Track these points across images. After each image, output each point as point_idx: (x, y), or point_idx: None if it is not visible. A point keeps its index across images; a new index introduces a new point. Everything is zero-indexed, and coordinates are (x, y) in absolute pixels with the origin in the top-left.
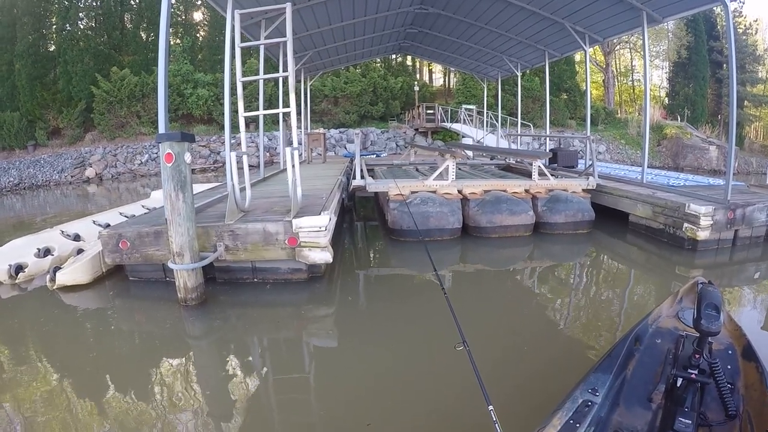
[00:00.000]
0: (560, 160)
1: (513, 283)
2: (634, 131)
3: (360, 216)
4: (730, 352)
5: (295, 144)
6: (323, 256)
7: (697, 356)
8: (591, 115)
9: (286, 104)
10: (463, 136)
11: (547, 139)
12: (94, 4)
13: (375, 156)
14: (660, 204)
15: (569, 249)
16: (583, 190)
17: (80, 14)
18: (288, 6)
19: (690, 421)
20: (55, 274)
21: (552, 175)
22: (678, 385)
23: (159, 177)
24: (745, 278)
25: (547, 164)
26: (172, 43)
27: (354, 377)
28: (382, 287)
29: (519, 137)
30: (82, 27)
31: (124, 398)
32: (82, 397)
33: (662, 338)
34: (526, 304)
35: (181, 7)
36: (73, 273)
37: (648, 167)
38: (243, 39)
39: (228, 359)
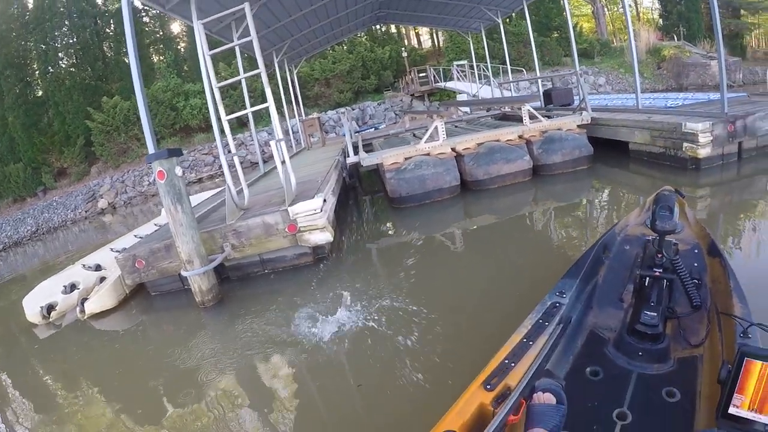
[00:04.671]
0: (555, 100)
1: (522, 228)
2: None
3: (367, 191)
4: (696, 251)
5: (279, 135)
6: (324, 237)
7: (659, 255)
8: (585, 48)
9: (274, 98)
10: (458, 93)
11: (539, 80)
12: (71, 41)
13: (373, 129)
14: (657, 127)
15: (572, 187)
16: (578, 126)
17: (59, 54)
18: (246, 5)
19: (655, 314)
20: (83, 305)
21: (546, 116)
22: (645, 284)
23: None
24: (756, 190)
25: (543, 106)
26: (155, 60)
27: (354, 347)
28: (384, 257)
29: (511, 84)
30: (64, 66)
31: (165, 406)
32: (127, 414)
33: (630, 244)
34: (539, 245)
35: (157, 24)
36: (99, 300)
37: (651, 91)
38: (217, 43)
39: (249, 348)
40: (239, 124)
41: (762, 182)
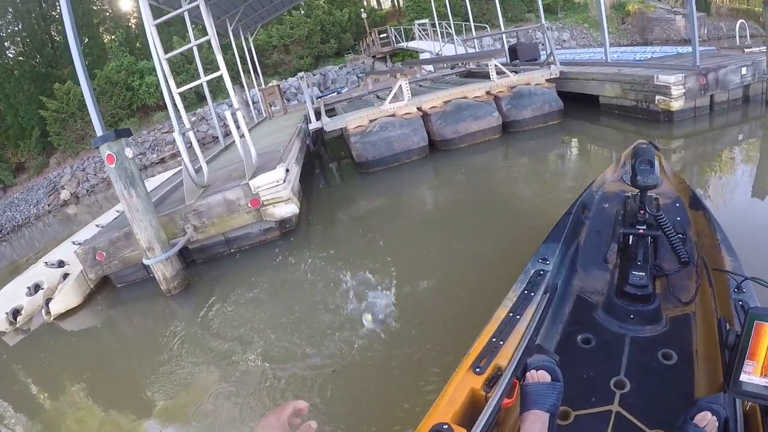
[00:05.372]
0: (521, 55)
1: (496, 187)
2: (596, 13)
3: (333, 157)
4: (677, 204)
5: (235, 105)
6: (289, 209)
7: (641, 212)
8: (549, 4)
9: (231, 68)
10: (421, 53)
11: (504, 36)
12: (16, 28)
13: (336, 93)
14: (628, 80)
15: (543, 142)
16: (547, 80)
17: (5, 43)
18: None
19: (643, 273)
20: (48, 306)
21: (513, 71)
22: (630, 242)
23: None
24: (729, 141)
25: (509, 62)
26: (106, 40)
27: (327, 326)
28: (355, 225)
29: (475, 41)
30: (11, 55)
31: (139, 403)
32: (100, 415)
33: (609, 202)
34: (513, 203)
35: (106, 2)
36: (64, 299)
37: (616, 46)
38: (164, 13)
39: (218, 335)
40: (198, 99)
41: (734, 134)
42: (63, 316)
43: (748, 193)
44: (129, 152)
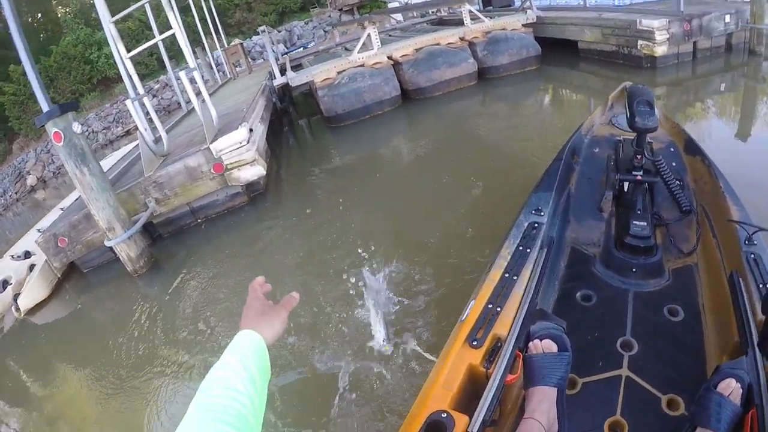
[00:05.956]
0: (495, 2)
1: (474, 136)
2: None
3: (302, 114)
4: (672, 149)
5: (192, 64)
6: (255, 171)
7: (638, 157)
8: None
9: (192, 30)
10: (389, 2)
11: None
12: None
13: (302, 49)
14: (609, 24)
15: (521, 88)
16: (523, 25)
17: None
18: None
19: (645, 223)
20: (17, 302)
21: (487, 17)
22: (626, 189)
23: (102, 151)
24: (712, 90)
25: (482, 9)
26: (59, 13)
27: (301, 296)
28: (327, 183)
29: None
30: None
31: (118, 395)
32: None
33: (600, 147)
34: (494, 152)
35: None
36: (31, 293)
37: None
38: None
39: (190, 312)
40: (161, 66)
41: (717, 82)
42: (33, 310)
43: (732, 138)
44: (77, 127)
